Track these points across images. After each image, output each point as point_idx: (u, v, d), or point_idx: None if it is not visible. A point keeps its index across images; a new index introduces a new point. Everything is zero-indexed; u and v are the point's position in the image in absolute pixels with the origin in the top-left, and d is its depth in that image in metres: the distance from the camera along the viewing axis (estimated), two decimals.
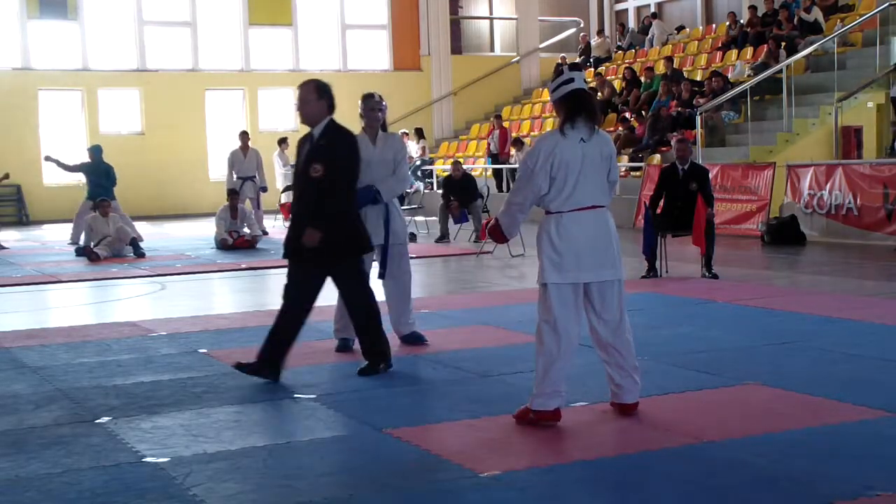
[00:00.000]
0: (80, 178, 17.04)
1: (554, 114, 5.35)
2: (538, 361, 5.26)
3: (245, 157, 17.73)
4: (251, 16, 25.10)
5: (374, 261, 7.42)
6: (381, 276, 7.36)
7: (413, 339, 7.42)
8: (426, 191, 21.93)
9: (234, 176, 17.62)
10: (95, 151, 16.65)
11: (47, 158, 16.71)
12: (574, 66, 5.74)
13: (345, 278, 6.46)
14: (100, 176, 16.34)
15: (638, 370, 5.41)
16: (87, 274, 12.69)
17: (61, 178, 16.90)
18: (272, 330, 6.39)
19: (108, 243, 14.42)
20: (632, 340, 5.40)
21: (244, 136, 18.04)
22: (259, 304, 10.04)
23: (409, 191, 22.14)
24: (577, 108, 5.22)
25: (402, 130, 23.38)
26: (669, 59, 21.47)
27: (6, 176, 17.84)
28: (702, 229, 10.53)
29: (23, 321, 9.11)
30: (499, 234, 5.54)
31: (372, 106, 7.29)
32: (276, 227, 19.24)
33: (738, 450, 4.70)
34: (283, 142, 21.41)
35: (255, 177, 17.67)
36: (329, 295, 6.70)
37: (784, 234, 13.94)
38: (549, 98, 5.27)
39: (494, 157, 21.39)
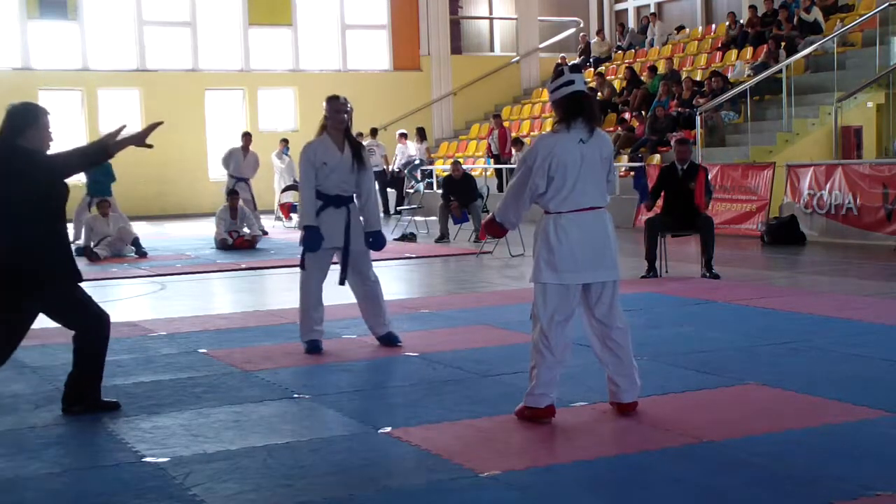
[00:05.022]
0: (81, 178, 17.07)
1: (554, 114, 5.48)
2: (531, 360, 5.31)
3: (244, 158, 17.78)
4: (251, 16, 25.09)
5: (334, 263, 7.42)
6: (342, 282, 7.35)
7: (388, 340, 7.41)
8: (426, 191, 21.93)
9: (229, 172, 17.66)
10: None
11: None
12: (574, 68, 5.77)
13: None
14: (97, 173, 16.36)
15: (636, 369, 5.42)
16: (87, 274, 12.46)
17: None
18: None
19: (108, 243, 14.42)
20: (629, 340, 5.41)
21: (247, 137, 18.08)
22: (259, 304, 10.05)
23: (408, 191, 22.18)
24: (576, 110, 5.22)
25: (401, 131, 23.40)
26: (671, 59, 21.48)
27: None
28: (701, 189, 10.59)
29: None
30: (495, 228, 5.53)
31: (337, 108, 7.24)
32: (276, 228, 19.26)
33: (738, 450, 4.70)
34: (283, 141, 21.53)
35: (248, 179, 17.72)
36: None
37: (784, 234, 13.94)
38: (547, 98, 5.28)
39: (496, 158, 21.38)
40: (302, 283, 7.38)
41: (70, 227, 15.98)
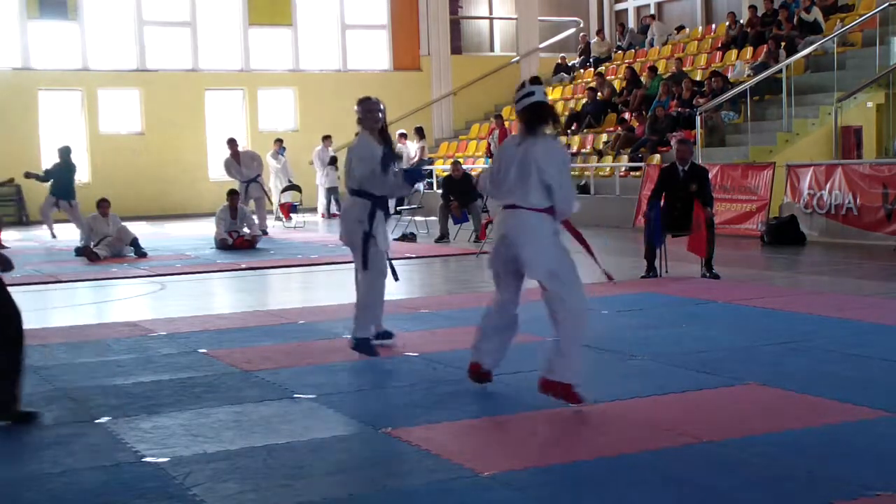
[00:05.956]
0: (77, 179, 17.35)
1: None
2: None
3: (240, 163, 17.79)
4: (251, 16, 25.09)
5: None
6: (396, 278, 7.46)
7: (384, 336, 7.43)
8: (426, 191, 21.93)
9: (239, 179, 17.72)
10: (65, 153, 17.52)
11: (27, 175, 17.62)
12: (534, 80, 6.17)
13: None
14: (63, 174, 17.37)
15: (570, 358, 5.48)
16: (86, 274, 12.69)
17: None
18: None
19: (108, 243, 14.43)
20: (572, 332, 5.52)
21: (231, 143, 18.05)
22: (259, 304, 10.04)
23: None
24: (534, 118, 5.71)
25: (400, 131, 23.39)
26: (670, 60, 21.47)
27: (11, 180, 19.28)
28: (703, 237, 10.52)
29: (23, 321, 9.09)
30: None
31: (370, 108, 7.25)
32: (276, 228, 19.26)
33: (738, 450, 4.70)
34: (278, 141, 21.72)
35: (259, 176, 17.80)
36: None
37: (784, 234, 13.94)
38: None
39: None
40: (371, 281, 7.22)
41: (43, 227, 16.56)
